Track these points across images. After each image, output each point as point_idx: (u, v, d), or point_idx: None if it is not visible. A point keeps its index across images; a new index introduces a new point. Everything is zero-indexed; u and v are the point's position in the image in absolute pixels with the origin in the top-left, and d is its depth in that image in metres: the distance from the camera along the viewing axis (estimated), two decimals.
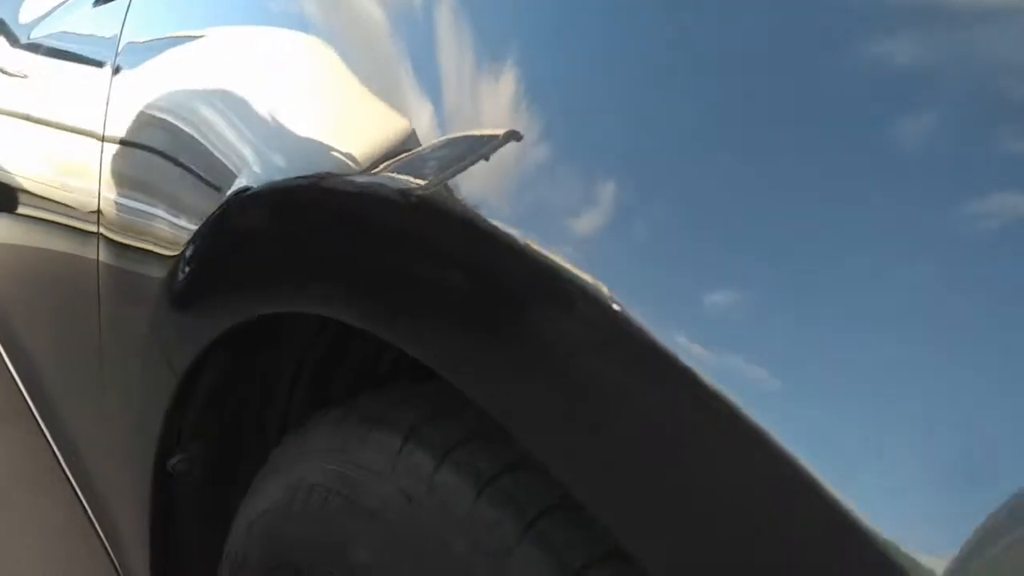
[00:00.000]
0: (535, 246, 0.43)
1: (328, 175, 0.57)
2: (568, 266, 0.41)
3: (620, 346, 0.39)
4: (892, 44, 0.36)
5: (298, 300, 0.63)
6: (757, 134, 0.38)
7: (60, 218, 1.10)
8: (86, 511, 1.16)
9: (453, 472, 0.53)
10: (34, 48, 1.31)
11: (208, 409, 0.83)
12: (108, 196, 0.92)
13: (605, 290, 0.39)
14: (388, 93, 0.56)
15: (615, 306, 0.39)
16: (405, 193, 0.50)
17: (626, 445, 0.39)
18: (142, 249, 0.85)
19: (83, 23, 1.16)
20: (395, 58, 0.56)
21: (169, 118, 0.80)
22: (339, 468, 0.60)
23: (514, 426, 0.45)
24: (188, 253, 0.74)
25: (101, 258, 0.95)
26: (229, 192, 0.68)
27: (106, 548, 1.10)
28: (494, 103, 0.48)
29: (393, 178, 0.51)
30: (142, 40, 0.92)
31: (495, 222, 0.44)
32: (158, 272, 0.80)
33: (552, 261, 0.42)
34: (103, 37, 1.00)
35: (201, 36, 0.80)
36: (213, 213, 0.70)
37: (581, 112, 0.44)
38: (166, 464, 0.82)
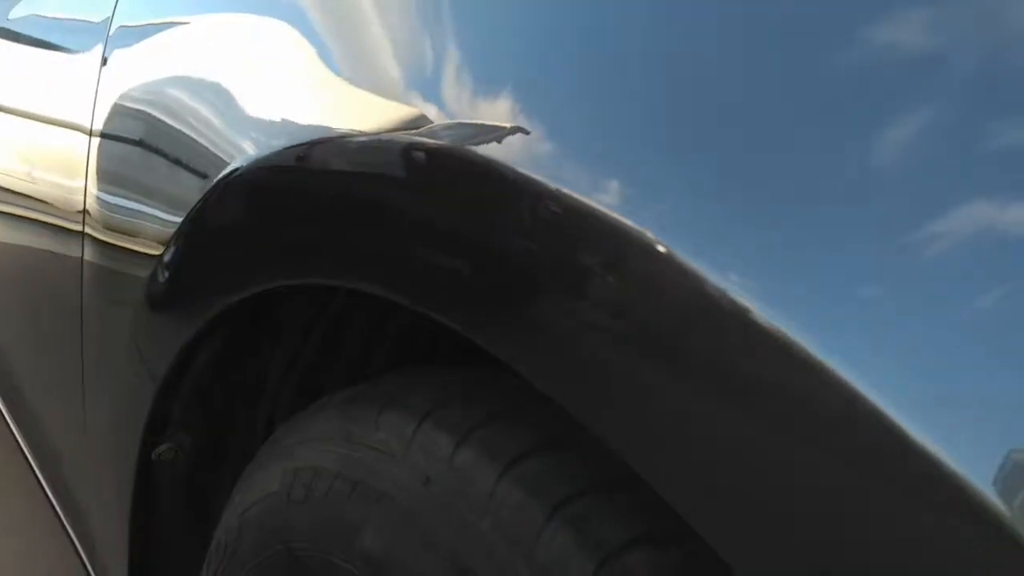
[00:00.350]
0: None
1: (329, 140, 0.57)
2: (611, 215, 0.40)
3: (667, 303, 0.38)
4: (891, 40, 0.36)
5: (292, 272, 0.62)
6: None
7: (41, 216, 1.06)
8: (58, 515, 1.12)
9: (474, 453, 0.52)
10: (10, 33, 1.25)
11: (192, 406, 0.81)
12: (97, 194, 0.89)
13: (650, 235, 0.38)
14: (390, 81, 0.56)
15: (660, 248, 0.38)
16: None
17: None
18: (132, 250, 0.82)
19: (68, 5, 1.10)
20: (393, 45, 0.57)
21: (165, 111, 0.77)
22: (347, 452, 0.59)
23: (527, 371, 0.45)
24: (178, 240, 0.72)
25: (86, 257, 0.92)
26: (220, 175, 0.66)
27: (79, 553, 1.07)
28: (488, 82, 0.48)
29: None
30: (136, 24, 0.88)
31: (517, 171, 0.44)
32: (147, 271, 0.78)
33: (588, 213, 0.41)
34: (91, 21, 0.96)
35: (202, 21, 0.78)
36: (203, 196, 0.68)
37: (590, 101, 0.44)
38: (151, 453, 0.79)
